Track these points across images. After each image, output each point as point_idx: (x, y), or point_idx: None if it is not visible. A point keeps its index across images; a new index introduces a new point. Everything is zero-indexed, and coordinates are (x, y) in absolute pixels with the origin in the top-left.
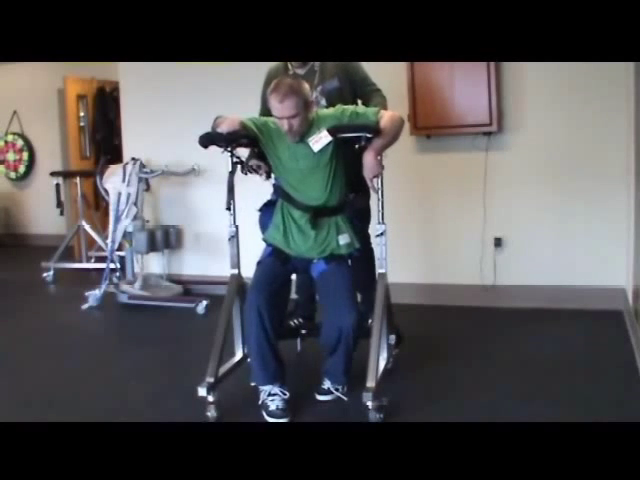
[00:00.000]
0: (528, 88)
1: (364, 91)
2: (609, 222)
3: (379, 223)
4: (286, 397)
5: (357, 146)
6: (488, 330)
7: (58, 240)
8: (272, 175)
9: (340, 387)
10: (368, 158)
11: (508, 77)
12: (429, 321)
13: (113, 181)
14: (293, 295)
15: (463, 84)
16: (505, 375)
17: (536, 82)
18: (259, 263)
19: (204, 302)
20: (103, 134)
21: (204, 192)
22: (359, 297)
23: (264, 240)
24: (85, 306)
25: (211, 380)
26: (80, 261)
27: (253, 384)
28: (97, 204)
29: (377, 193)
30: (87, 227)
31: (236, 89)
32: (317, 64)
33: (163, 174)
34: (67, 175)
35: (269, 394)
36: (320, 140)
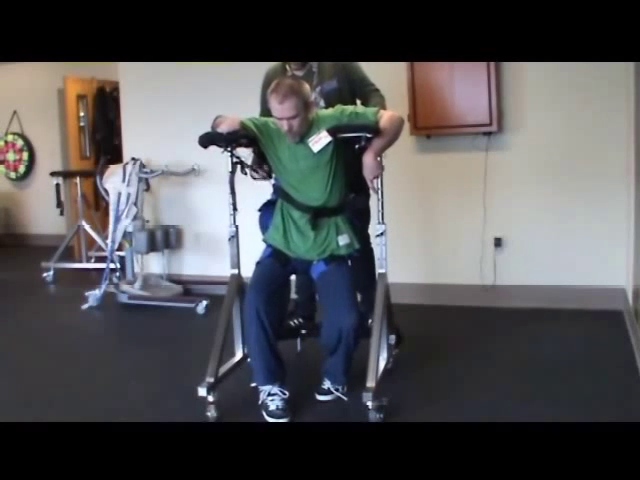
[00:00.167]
0: (528, 88)
1: (363, 91)
2: (609, 222)
3: (379, 223)
4: (286, 397)
5: (357, 146)
6: (488, 330)
7: (58, 240)
8: (272, 175)
9: (340, 387)
10: (368, 158)
11: (508, 77)
12: (429, 321)
13: (113, 181)
14: (293, 295)
15: (463, 84)
16: (505, 375)
17: (536, 82)
18: (258, 263)
19: (204, 302)
20: (103, 134)
21: (204, 192)
22: (359, 297)
23: (264, 241)
24: (85, 306)
25: (211, 380)
26: (80, 261)
27: (253, 385)
28: (97, 204)
29: (377, 193)
30: (87, 227)
31: (236, 89)
32: (315, 65)
33: (163, 174)
34: (67, 175)
35: (269, 394)
36: (320, 140)
